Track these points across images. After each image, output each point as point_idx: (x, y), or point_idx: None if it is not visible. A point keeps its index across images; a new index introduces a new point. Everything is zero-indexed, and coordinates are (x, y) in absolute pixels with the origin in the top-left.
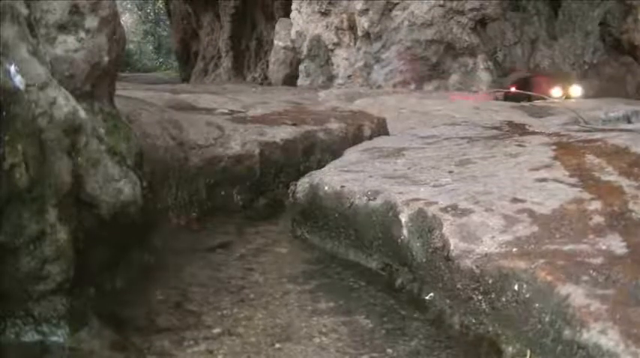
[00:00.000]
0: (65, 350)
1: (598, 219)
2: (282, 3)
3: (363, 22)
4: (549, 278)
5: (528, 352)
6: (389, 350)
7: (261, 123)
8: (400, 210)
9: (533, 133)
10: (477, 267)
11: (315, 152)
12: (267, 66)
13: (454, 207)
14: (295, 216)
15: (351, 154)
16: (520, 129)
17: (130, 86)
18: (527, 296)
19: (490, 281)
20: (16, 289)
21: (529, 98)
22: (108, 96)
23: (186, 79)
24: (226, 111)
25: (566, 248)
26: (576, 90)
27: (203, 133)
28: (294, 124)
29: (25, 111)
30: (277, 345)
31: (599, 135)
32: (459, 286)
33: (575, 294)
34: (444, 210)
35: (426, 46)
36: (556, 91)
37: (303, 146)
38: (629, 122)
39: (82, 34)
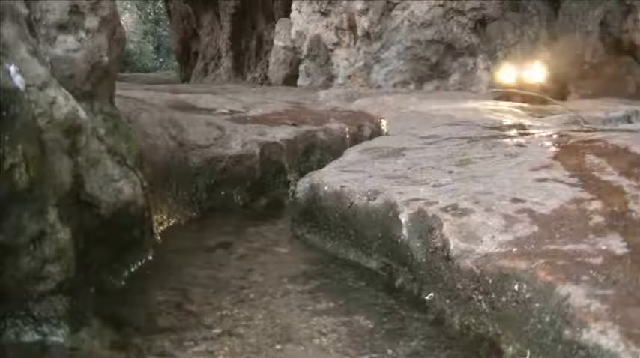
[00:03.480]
0: (65, 350)
1: (598, 219)
2: (282, 3)
3: (363, 22)
4: (549, 278)
5: (528, 352)
6: (389, 351)
7: (261, 123)
8: (400, 210)
9: (534, 133)
10: (477, 267)
11: (315, 152)
12: (267, 66)
13: (454, 207)
14: (295, 216)
15: (351, 154)
16: (520, 129)
17: (130, 86)
18: (527, 296)
19: (490, 281)
20: (16, 289)
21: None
22: (108, 96)
23: (186, 79)
24: (226, 111)
25: (566, 248)
26: (535, 74)
27: (203, 133)
28: (294, 124)
29: (25, 111)
30: (277, 346)
31: (599, 135)
32: (459, 286)
33: (575, 294)
34: (444, 210)
35: (426, 46)
36: (508, 71)
37: (303, 146)
38: (629, 122)
39: (82, 34)
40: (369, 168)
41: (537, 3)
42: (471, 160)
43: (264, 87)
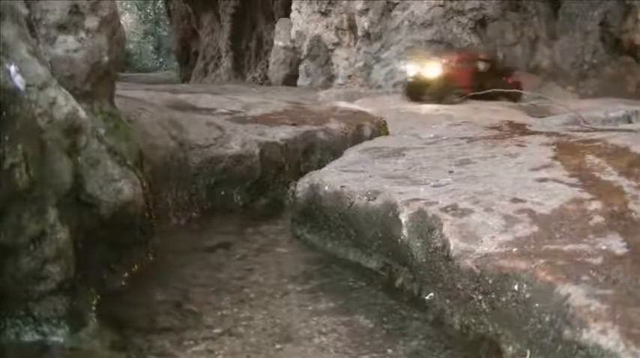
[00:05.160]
0: (65, 350)
1: (598, 219)
2: (282, 3)
3: (363, 22)
4: (549, 278)
5: (528, 352)
6: (389, 350)
7: (261, 123)
8: (400, 210)
9: (533, 133)
10: (477, 267)
11: (315, 152)
12: (267, 66)
13: (454, 207)
14: (295, 215)
15: (351, 154)
16: (520, 129)
17: (130, 86)
18: (527, 296)
19: (490, 281)
20: (16, 289)
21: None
22: (108, 96)
23: (186, 79)
24: (226, 111)
25: (566, 248)
26: (433, 69)
27: (203, 133)
28: (294, 124)
29: (25, 111)
30: (277, 346)
31: (599, 135)
32: (459, 286)
33: (575, 294)
34: (444, 210)
35: (425, 46)
36: (411, 68)
37: (303, 146)
38: (629, 122)
39: (82, 34)
40: (369, 168)
41: (537, 3)
42: (471, 160)
43: (264, 87)
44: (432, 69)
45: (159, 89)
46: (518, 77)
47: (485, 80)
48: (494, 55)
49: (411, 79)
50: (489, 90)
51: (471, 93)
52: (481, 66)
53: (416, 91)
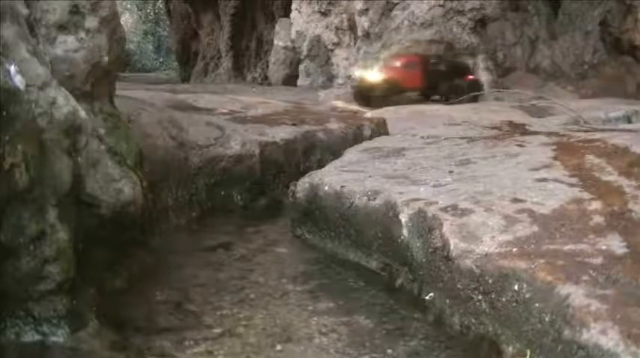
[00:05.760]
0: (65, 350)
1: (598, 219)
2: (282, 3)
3: (363, 22)
4: (549, 278)
5: (528, 352)
6: (389, 351)
7: (261, 123)
8: (400, 210)
9: (533, 133)
10: (477, 266)
11: (315, 152)
12: (267, 66)
13: (454, 207)
14: (295, 216)
15: (351, 154)
16: (520, 129)
17: (130, 86)
18: (527, 296)
19: (490, 281)
20: (16, 289)
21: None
22: (108, 96)
23: (186, 79)
24: (226, 111)
25: (566, 248)
26: (375, 73)
27: (203, 133)
28: (294, 124)
29: (25, 111)
30: (278, 346)
31: (599, 135)
32: (459, 286)
33: (575, 294)
34: (444, 209)
35: (425, 46)
36: (356, 74)
37: (303, 146)
38: (629, 122)
39: (82, 34)
40: (369, 168)
41: (537, 3)
42: (471, 160)
43: (264, 87)
44: (374, 73)
45: (159, 89)
46: (476, 75)
47: (439, 81)
48: (451, 55)
49: (356, 84)
50: (467, 95)
51: (461, 98)
52: (436, 66)
53: (362, 96)
